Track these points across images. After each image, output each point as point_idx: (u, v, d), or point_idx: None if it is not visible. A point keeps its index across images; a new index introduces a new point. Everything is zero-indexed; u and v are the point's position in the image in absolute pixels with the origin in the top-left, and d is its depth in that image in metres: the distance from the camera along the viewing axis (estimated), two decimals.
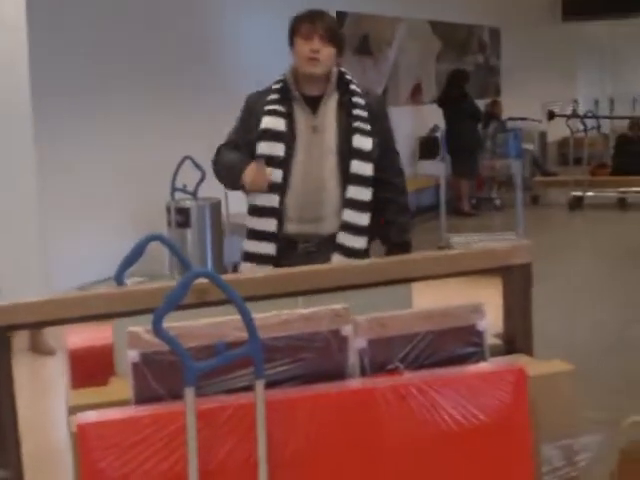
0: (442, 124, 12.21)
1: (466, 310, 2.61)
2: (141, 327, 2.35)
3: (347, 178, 3.70)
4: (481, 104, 13.14)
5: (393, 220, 3.89)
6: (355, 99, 3.77)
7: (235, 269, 3.92)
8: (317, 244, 3.75)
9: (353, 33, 11.35)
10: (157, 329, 2.21)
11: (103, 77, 7.74)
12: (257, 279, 2.78)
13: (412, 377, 2.46)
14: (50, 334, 6.04)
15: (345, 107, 3.76)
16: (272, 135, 3.70)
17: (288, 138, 3.71)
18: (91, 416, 2.28)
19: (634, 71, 20.20)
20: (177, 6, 8.59)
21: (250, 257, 3.78)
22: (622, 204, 12.64)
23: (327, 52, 3.70)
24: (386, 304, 2.67)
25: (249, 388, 2.32)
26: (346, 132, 3.72)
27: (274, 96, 3.77)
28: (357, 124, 3.73)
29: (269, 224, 3.72)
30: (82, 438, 2.22)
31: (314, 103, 3.76)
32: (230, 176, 3.82)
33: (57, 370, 4.94)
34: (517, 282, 2.88)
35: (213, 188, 7.44)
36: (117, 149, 7.87)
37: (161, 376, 2.36)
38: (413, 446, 2.40)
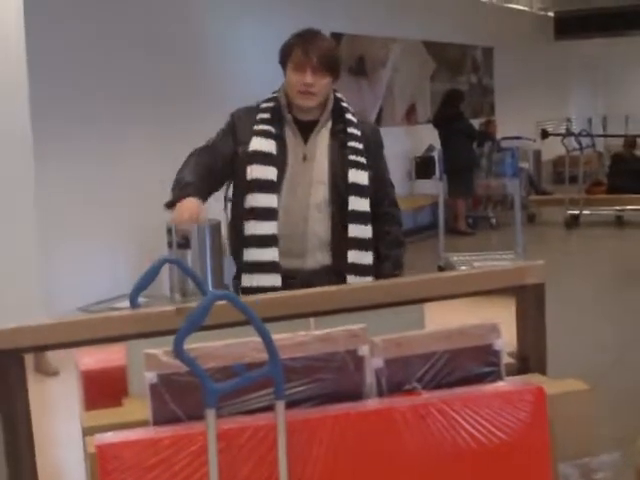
0: (437, 144, 12.23)
1: (483, 329, 2.60)
2: (158, 349, 2.34)
3: (345, 215, 3.48)
4: (475, 123, 13.18)
5: (387, 254, 3.63)
6: (351, 130, 3.54)
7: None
8: (300, 281, 3.44)
9: (349, 54, 11.39)
10: (178, 351, 2.19)
11: (98, 102, 7.75)
12: (271, 300, 2.76)
13: (431, 397, 2.45)
14: (53, 355, 6.02)
15: (339, 137, 3.54)
16: (263, 158, 3.44)
17: (280, 162, 3.46)
18: (109, 437, 2.26)
19: (626, 90, 20.33)
20: (175, 37, 8.62)
21: (252, 292, 3.41)
22: (619, 222, 12.68)
23: (322, 83, 3.44)
24: (398, 325, 2.66)
25: (268, 408, 2.32)
26: (340, 164, 3.50)
27: (265, 115, 3.51)
28: (353, 157, 3.50)
29: (271, 254, 3.44)
30: (101, 459, 2.21)
31: (306, 129, 3.52)
32: (173, 192, 3.46)
33: (63, 391, 4.91)
34: (531, 301, 2.89)
35: (213, 209, 7.47)
36: (118, 170, 7.87)
37: (179, 397, 2.34)
38: (433, 466, 2.39)
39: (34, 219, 7.14)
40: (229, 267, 7.35)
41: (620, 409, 5.28)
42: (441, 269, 9.31)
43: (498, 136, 13.69)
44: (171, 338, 2.20)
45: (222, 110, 8.81)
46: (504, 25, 15.99)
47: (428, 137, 12.69)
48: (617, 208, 12.60)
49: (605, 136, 18.51)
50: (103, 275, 7.58)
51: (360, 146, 3.53)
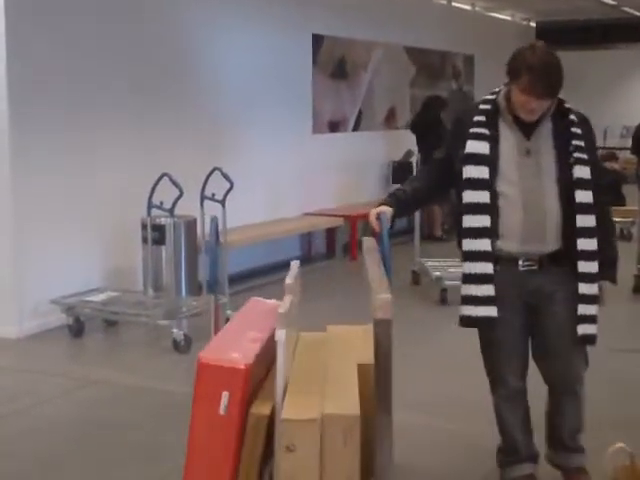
0: (415, 149, 12.22)
1: None
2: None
3: (573, 207, 3.83)
4: None
5: (609, 240, 4.00)
6: (574, 129, 3.90)
7: None
8: (538, 261, 3.89)
9: (329, 56, 11.41)
10: None
11: (79, 93, 7.73)
12: None
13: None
14: None
15: (563, 136, 3.89)
16: (477, 159, 3.84)
17: (492, 160, 3.83)
18: None
19: (605, 102, 20.41)
20: (156, 26, 8.60)
21: (469, 279, 3.88)
22: None
23: (544, 106, 3.84)
24: None
25: None
26: (565, 162, 3.85)
27: (480, 118, 3.91)
28: (577, 155, 3.85)
29: (483, 244, 3.82)
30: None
31: (526, 126, 3.88)
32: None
33: None
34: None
35: (190, 206, 7.47)
36: (94, 165, 7.85)
37: None
38: None
39: (10, 210, 7.15)
40: (203, 263, 7.39)
41: (597, 419, 5.29)
42: (415, 274, 9.33)
43: None
44: None
45: (202, 115, 8.76)
46: (486, 33, 16.04)
47: (406, 142, 12.69)
48: None
49: None
50: (76, 269, 7.55)
51: (582, 143, 3.89)
